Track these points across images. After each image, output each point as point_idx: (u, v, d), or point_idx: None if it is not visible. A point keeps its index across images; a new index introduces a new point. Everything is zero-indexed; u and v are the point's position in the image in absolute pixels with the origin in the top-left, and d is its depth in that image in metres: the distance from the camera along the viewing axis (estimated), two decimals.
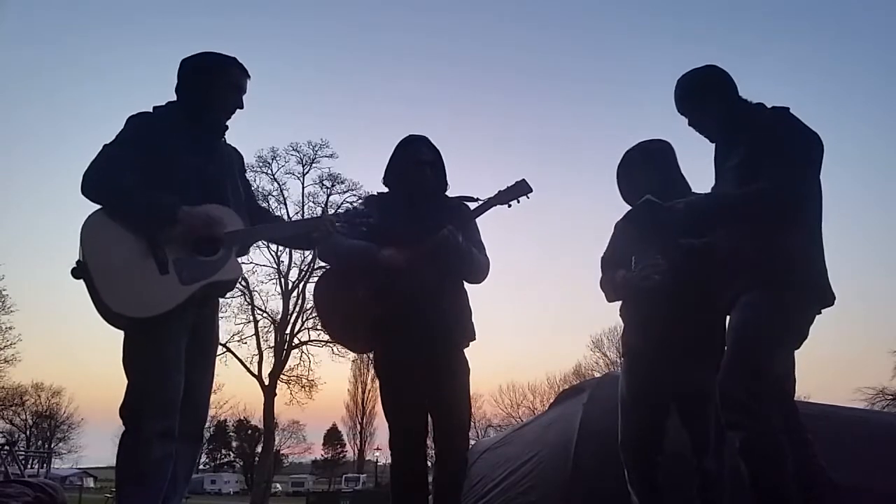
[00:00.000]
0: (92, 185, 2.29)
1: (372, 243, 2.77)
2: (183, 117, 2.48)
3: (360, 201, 3.00)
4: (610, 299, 2.94)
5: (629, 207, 2.87)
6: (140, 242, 2.29)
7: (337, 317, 2.88)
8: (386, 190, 2.97)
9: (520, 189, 2.77)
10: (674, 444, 2.76)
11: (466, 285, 2.93)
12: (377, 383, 2.96)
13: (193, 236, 2.33)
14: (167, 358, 2.30)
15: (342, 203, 24.59)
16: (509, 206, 2.78)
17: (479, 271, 2.89)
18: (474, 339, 2.89)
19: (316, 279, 3.33)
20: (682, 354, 2.69)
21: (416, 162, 2.86)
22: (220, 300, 2.72)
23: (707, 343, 2.72)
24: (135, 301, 2.27)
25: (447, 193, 2.95)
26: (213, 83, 2.50)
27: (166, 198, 2.31)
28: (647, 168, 2.85)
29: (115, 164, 2.32)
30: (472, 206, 2.85)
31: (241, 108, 2.59)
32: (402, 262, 2.72)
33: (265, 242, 25.14)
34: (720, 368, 2.47)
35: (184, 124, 2.46)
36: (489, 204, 2.79)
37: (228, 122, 2.61)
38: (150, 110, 2.49)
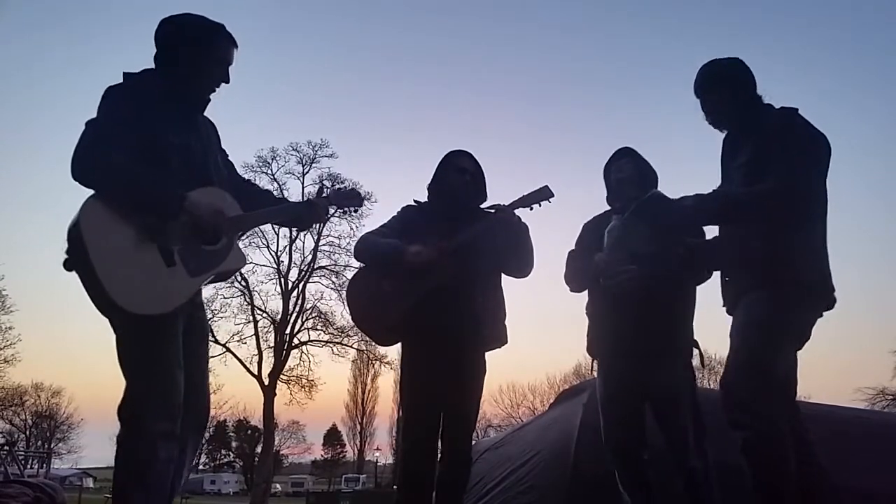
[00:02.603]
0: (86, 169, 2.11)
1: (400, 242, 2.90)
2: (164, 90, 2.28)
3: (400, 210, 3.20)
4: (574, 289, 3.06)
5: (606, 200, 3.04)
6: (142, 232, 2.14)
7: (365, 310, 3.00)
8: (424, 199, 3.10)
9: (542, 194, 2.91)
10: (662, 441, 2.79)
11: (503, 283, 3.00)
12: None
13: (198, 227, 2.21)
14: (171, 356, 2.19)
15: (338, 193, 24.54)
16: (531, 209, 2.90)
17: (527, 257, 2.98)
18: (505, 342, 2.96)
19: (351, 277, 3.44)
20: (652, 356, 2.75)
21: (456, 168, 3.02)
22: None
23: (675, 344, 2.80)
24: (145, 297, 2.12)
25: (482, 207, 3.05)
26: (198, 56, 2.31)
27: (171, 189, 2.17)
28: (631, 165, 3.00)
29: (107, 145, 2.12)
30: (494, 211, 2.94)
31: (227, 82, 2.41)
32: (428, 257, 2.81)
33: (265, 243, 25.44)
34: (725, 367, 2.49)
35: (166, 98, 2.27)
36: (513, 206, 2.89)
37: (211, 96, 2.44)
38: (125, 78, 2.28)
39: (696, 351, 2.88)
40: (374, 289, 2.93)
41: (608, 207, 3.08)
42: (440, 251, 2.82)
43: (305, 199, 2.86)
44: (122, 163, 2.13)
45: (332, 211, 2.77)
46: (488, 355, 2.94)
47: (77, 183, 2.13)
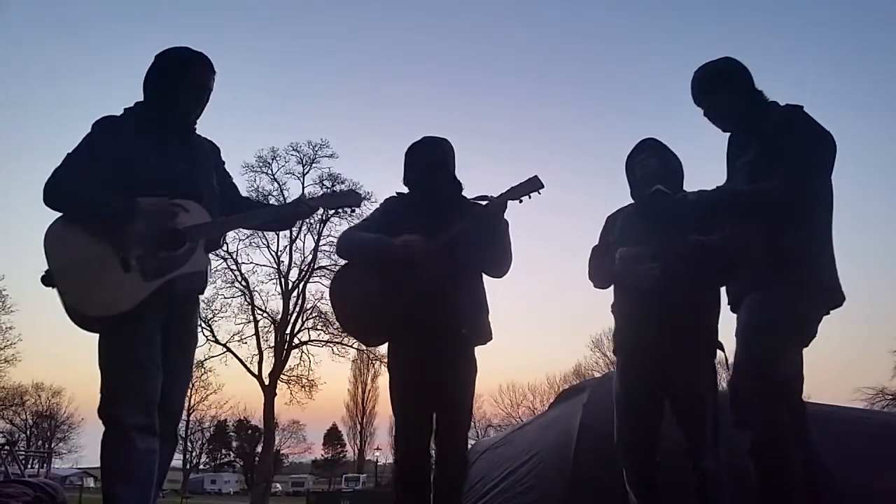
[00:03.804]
0: (50, 195, 2.34)
1: (385, 235, 2.80)
2: (148, 117, 2.47)
3: (381, 202, 3.06)
4: (598, 285, 2.97)
5: (631, 193, 2.94)
6: (102, 243, 2.31)
7: (350, 311, 2.91)
8: (406, 190, 3.01)
9: (531, 185, 2.77)
10: (671, 443, 2.76)
11: (485, 281, 2.93)
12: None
13: (156, 230, 2.34)
14: (141, 354, 2.31)
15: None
16: (520, 201, 2.78)
17: (506, 255, 2.88)
18: (490, 338, 2.89)
19: (334, 273, 3.34)
20: (676, 354, 2.70)
21: (424, 166, 2.90)
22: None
23: (700, 342, 2.74)
24: (97, 300, 2.29)
25: (464, 194, 2.96)
26: (174, 82, 2.48)
27: (120, 201, 2.32)
28: (656, 160, 2.89)
29: (73, 173, 2.35)
30: (486, 203, 2.84)
31: (203, 104, 2.55)
32: (418, 245, 2.73)
33: (265, 243, 25.42)
34: (732, 368, 2.48)
35: (149, 124, 2.46)
36: (503, 198, 2.77)
37: (198, 118, 2.59)
38: (121, 112, 2.49)
39: (719, 351, 2.80)
40: (361, 288, 2.83)
41: (614, 206, 3.01)
42: (429, 246, 2.72)
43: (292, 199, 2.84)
44: (81, 192, 2.34)
45: (321, 212, 2.75)
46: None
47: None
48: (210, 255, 2.53)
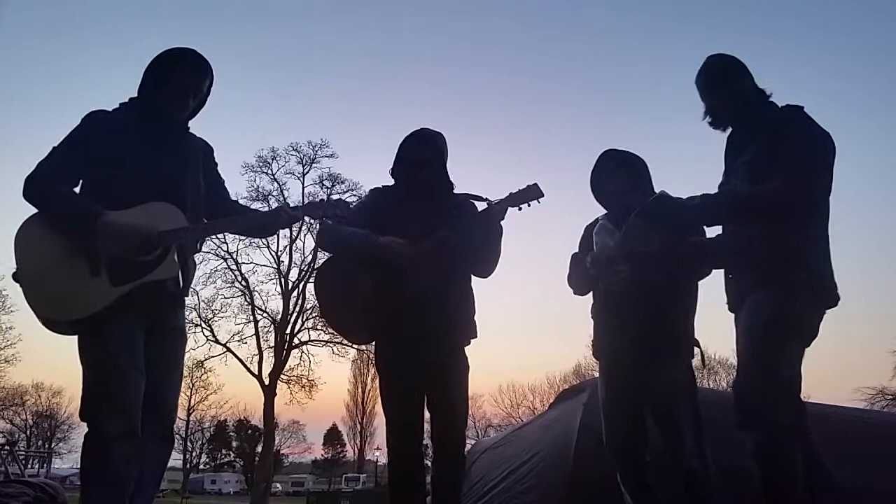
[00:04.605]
0: (27, 189, 2.31)
1: (370, 232, 2.75)
2: (137, 117, 2.45)
3: (365, 194, 3.08)
4: (577, 292, 3.03)
5: (601, 207, 3.02)
6: (72, 245, 2.27)
7: (339, 308, 2.88)
8: (391, 182, 2.96)
9: (531, 193, 2.72)
10: (661, 443, 2.78)
11: (473, 281, 2.91)
12: (377, 383, 2.95)
13: (128, 234, 2.28)
14: (119, 358, 2.26)
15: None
16: (520, 209, 2.73)
17: (495, 259, 2.86)
18: (476, 336, 2.87)
19: (320, 266, 3.27)
20: (654, 355, 2.73)
21: (413, 162, 2.85)
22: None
23: (676, 343, 2.78)
24: (61, 303, 2.25)
25: (454, 190, 2.93)
26: (162, 80, 2.45)
27: (88, 209, 2.28)
28: (624, 172, 2.93)
29: (54, 170, 2.33)
30: (479, 205, 2.83)
31: (188, 104, 2.51)
32: (400, 249, 2.69)
33: (265, 243, 25.40)
34: (737, 370, 2.49)
35: (138, 122, 2.43)
36: (503, 204, 2.73)
37: (191, 118, 2.56)
38: (115, 107, 2.47)
39: (696, 350, 2.87)
40: (350, 286, 2.79)
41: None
42: (414, 250, 2.69)
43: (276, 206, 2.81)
44: (56, 190, 2.32)
45: (306, 221, 2.73)
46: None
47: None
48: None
